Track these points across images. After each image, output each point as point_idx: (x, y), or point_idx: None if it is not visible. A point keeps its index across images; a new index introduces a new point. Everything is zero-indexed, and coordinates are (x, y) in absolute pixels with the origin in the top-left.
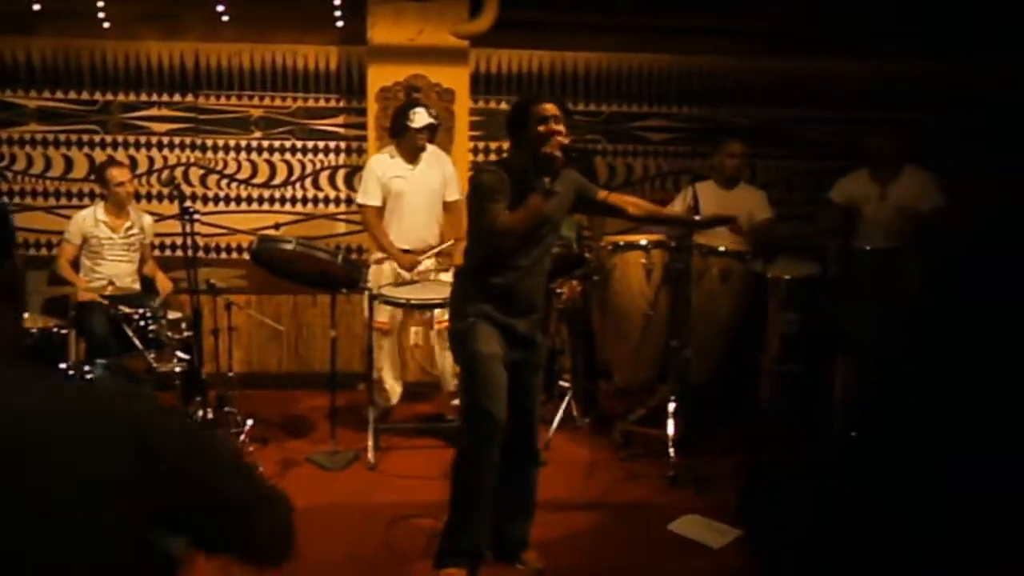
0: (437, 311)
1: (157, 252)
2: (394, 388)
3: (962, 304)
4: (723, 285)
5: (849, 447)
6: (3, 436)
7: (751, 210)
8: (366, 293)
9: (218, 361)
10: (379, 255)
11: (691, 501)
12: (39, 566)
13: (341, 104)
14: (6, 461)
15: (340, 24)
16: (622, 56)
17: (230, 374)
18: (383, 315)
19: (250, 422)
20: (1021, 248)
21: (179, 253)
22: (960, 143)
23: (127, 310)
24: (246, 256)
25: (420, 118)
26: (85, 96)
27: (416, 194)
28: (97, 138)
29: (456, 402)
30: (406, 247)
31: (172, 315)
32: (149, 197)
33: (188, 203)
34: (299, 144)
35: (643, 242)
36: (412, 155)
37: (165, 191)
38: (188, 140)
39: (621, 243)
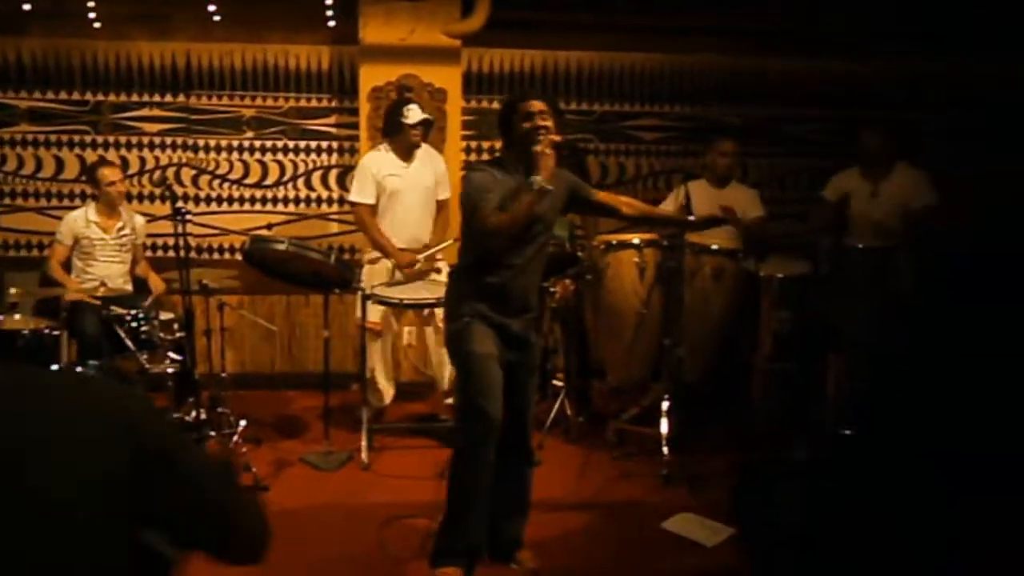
0: (439, 311)
1: (149, 253)
2: (387, 388)
3: (954, 302)
4: (716, 284)
5: (842, 445)
6: (3, 436)
7: (743, 209)
8: (359, 293)
9: (211, 362)
10: (373, 255)
11: (684, 499)
12: (39, 566)
13: (333, 104)
14: (6, 461)
15: (332, 24)
16: (614, 55)
17: (223, 375)
18: (375, 315)
19: (243, 423)
20: (1015, 247)
21: (171, 254)
22: (959, 143)
23: (119, 311)
24: (238, 256)
25: (414, 114)
26: (76, 96)
27: (410, 192)
28: (88, 139)
29: (449, 401)
30: (401, 246)
31: (164, 316)
32: (141, 198)
33: (180, 203)
34: (291, 144)
35: (636, 241)
36: (407, 153)
37: (157, 192)
38: (180, 140)
39: (614, 242)
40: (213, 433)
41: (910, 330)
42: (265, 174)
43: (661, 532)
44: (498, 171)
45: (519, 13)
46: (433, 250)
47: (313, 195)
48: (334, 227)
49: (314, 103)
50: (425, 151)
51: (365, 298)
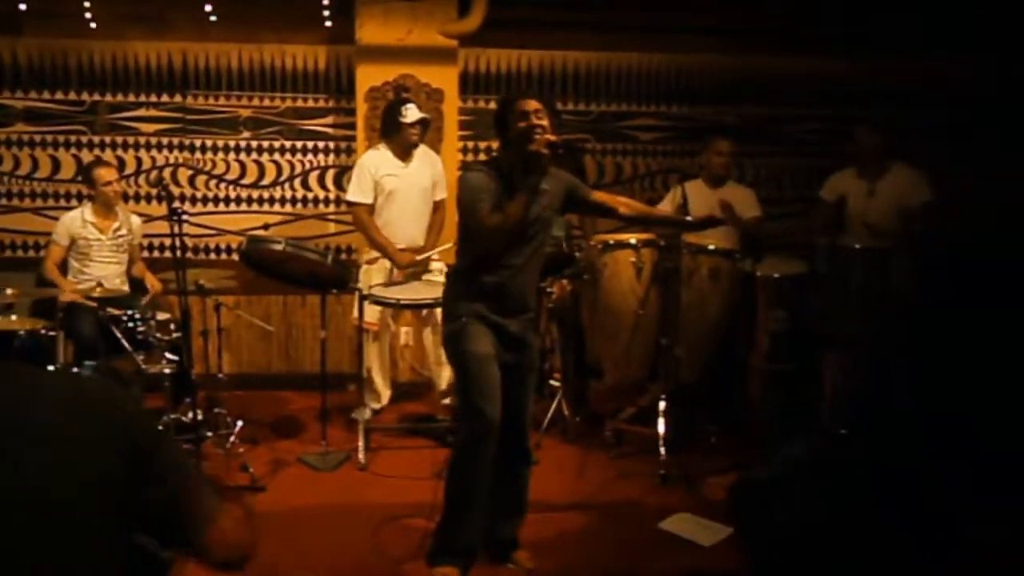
0: (436, 311)
1: (145, 253)
2: (384, 388)
3: (952, 301)
4: (713, 283)
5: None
6: (3, 436)
7: (740, 208)
8: (356, 293)
9: (208, 362)
10: (371, 255)
11: (682, 499)
12: (39, 566)
13: (330, 104)
14: (6, 461)
15: (328, 24)
16: (611, 55)
17: (220, 375)
18: (372, 315)
19: (240, 423)
20: (1014, 247)
21: (168, 254)
22: (959, 143)
23: (115, 312)
24: (235, 257)
25: (412, 113)
26: (72, 97)
27: (408, 192)
28: (84, 139)
29: (447, 401)
30: (399, 246)
31: (161, 316)
32: (137, 198)
33: (176, 204)
34: (288, 144)
35: (633, 241)
36: (405, 152)
37: (153, 192)
38: (176, 140)
39: (611, 242)
40: (210, 434)
41: (908, 329)
42: (262, 174)
43: (658, 532)
44: (494, 172)
45: (516, 13)
46: (431, 253)
47: (310, 195)
48: (331, 227)
49: (311, 103)
50: (423, 152)
51: (362, 298)
